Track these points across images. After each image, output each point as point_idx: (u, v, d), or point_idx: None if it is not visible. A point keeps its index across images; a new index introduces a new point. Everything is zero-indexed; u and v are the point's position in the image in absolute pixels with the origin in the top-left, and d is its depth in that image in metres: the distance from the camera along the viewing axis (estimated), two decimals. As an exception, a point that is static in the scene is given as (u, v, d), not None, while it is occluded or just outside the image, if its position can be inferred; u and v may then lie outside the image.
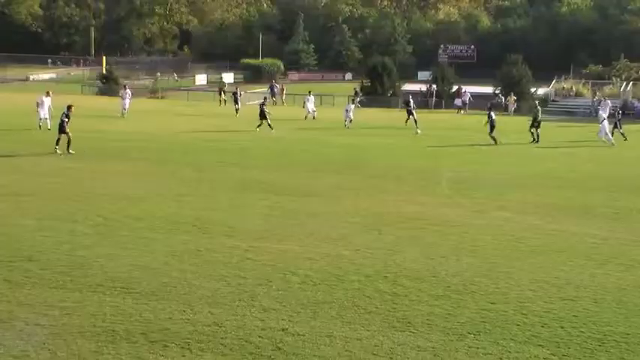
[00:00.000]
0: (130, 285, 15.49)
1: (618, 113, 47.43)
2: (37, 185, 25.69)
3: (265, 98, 48.79)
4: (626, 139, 44.23)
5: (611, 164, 35.25)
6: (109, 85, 77.23)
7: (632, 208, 24.63)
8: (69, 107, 32.94)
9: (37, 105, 40.77)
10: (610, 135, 42.10)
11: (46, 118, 40.21)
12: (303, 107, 55.05)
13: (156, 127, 43.61)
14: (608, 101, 58.03)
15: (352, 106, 46.39)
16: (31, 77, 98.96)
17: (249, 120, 47.38)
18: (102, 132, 36.56)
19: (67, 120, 32.46)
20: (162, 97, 77.80)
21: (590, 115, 64.69)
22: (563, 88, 73.55)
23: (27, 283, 15.51)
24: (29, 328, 13.12)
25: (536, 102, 47.31)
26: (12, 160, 31.03)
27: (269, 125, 42.74)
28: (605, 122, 42.54)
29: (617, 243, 19.98)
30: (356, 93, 73.44)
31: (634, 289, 16.05)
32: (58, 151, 32.04)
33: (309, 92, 57.25)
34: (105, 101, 58.46)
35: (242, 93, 55.59)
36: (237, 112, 51.97)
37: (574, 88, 72.48)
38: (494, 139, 40.14)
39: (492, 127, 40.33)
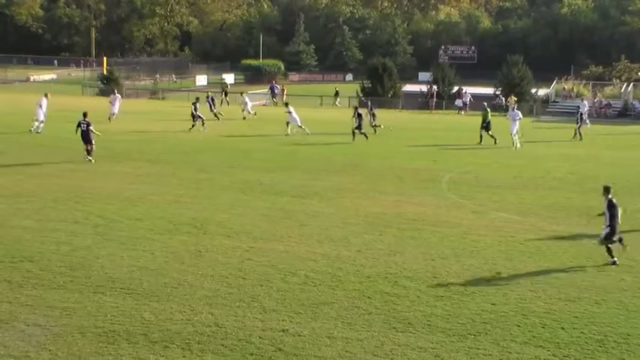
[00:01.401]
0: (130, 285, 15.52)
1: (580, 114, 46.89)
2: (38, 186, 25.68)
3: (197, 98, 47.31)
4: (581, 139, 43.84)
5: (611, 165, 35.22)
6: (109, 86, 77.19)
7: (632, 209, 24.60)
8: (85, 115, 31.15)
9: (37, 105, 40.43)
10: (516, 137, 40.51)
11: (42, 121, 39.87)
12: (243, 111, 52.88)
13: (156, 127, 43.56)
14: (585, 102, 58.09)
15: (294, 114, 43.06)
16: (32, 78, 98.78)
17: (251, 122, 47.54)
18: (102, 132, 36.41)
19: (91, 129, 30.93)
20: (162, 98, 77.75)
21: (591, 116, 64.66)
22: (564, 88, 73.40)
23: (27, 283, 15.54)
24: (30, 328, 13.14)
25: (485, 104, 46.32)
26: (13, 160, 31.00)
27: (200, 124, 42.06)
28: (518, 123, 41.69)
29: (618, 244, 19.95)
30: (336, 93, 73.53)
31: (634, 291, 16.06)
32: (91, 159, 30.71)
33: (242, 93, 56.66)
34: (106, 102, 58.42)
35: (214, 97, 53.63)
36: (217, 117, 49.82)
37: (574, 89, 72.35)
38: (364, 134, 39.91)
39: (360, 125, 40.07)
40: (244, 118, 51.39)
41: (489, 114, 42.33)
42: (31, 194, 24.29)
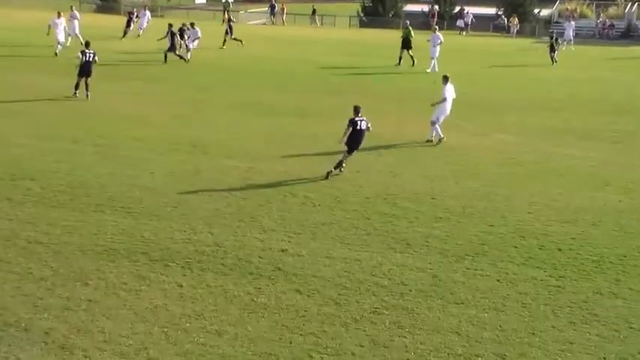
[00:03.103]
0: (130, 204, 15.58)
1: (554, 38, 44.36)
2: (38, 105, 25.57)
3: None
4: (553, 64, 41.93)
5: (612, 86, 35.07)
6: (107, 3, 76.10)
7: (632, 131, 24.61)
8: (88, 44, 27.41)
9: (50, 27, 38.85)
10: (434, 61, 37.28)
11: (63, 42, 38.69)
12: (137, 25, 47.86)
13: (153, 46, 43.12)
14: (572, 23, 57.29)
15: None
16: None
17: (250, 39, 46.95)
18: (98, 51, 36.06)
19: (96, 59, 27.03)
20: (161, 16, 76.79)
21: (594, 36, 64.04)
22: (567, 9, 72.47)
23: (28, 201, 15.59)
24: (31, 245, 13.24)
25: (407, 22, 43.01)
26: (11, 78, 30.75)
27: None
28: (438, 47, 37.45)
29: (616, 166, 20.03)
30: (314, 12, 72.61)
31: (632, 212, 16.16)
32: (77, 94, 26.79)
33: (145, 7, 53.45)
34: (102, 19, 57.66)
35: (137, 14, 50.07)
36: (124, 35, 45.93)
37: (578, 10, 71.43)
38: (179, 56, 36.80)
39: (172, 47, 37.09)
40: (139, 35, 47.81)
41: (411, 32, 39.15)
42: (30, 113, 24.20)
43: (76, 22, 42.22)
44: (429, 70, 36.57)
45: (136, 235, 13.86)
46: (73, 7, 43.30)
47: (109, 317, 10.68)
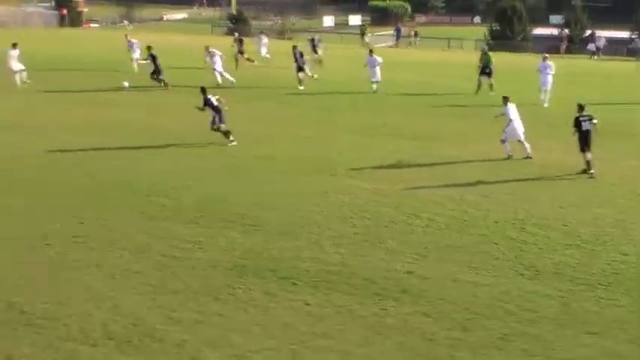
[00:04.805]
0: (258, 222, 15.90)
1: None
2: (172, 124, 26.45)
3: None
4: None
5: None
6: (238, 26, 78.19)
7: None
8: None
9: (131, 47, 40.20)
10: (546, 95, 32.64)
11: (137, 59, 39.65)
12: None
13: (283, 67, 43.89)
14: None
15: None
16: (165, 17, 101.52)
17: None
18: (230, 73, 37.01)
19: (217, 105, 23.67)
20: (288, 39, 78.22)
21: None
22: None
23: (161, 217, 16.17)
24: (165, 259, 13.71)
25: (485, 47, 39.44)
26: (148, 101, 31.94)
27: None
28: (550, 77, 32.83)
29: None
30: (363, 33, 71.86)
31: None
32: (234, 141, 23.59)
33: (262, 32, 51.38)
34: (229, 41, 59.10)
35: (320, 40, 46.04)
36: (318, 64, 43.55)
37: None
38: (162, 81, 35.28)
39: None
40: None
41: (492, 60, 36.38)
42: (164, 131, 25.06)
43: (136, 47, 40.88)
44: (546, 105, 32.82)
45: (264, 253, 14.13)
46: (127, 35, 43.04)
47: (239, 332, 10.91)
